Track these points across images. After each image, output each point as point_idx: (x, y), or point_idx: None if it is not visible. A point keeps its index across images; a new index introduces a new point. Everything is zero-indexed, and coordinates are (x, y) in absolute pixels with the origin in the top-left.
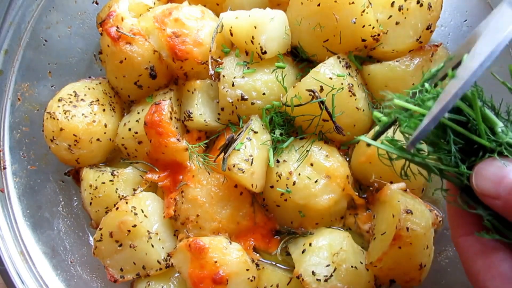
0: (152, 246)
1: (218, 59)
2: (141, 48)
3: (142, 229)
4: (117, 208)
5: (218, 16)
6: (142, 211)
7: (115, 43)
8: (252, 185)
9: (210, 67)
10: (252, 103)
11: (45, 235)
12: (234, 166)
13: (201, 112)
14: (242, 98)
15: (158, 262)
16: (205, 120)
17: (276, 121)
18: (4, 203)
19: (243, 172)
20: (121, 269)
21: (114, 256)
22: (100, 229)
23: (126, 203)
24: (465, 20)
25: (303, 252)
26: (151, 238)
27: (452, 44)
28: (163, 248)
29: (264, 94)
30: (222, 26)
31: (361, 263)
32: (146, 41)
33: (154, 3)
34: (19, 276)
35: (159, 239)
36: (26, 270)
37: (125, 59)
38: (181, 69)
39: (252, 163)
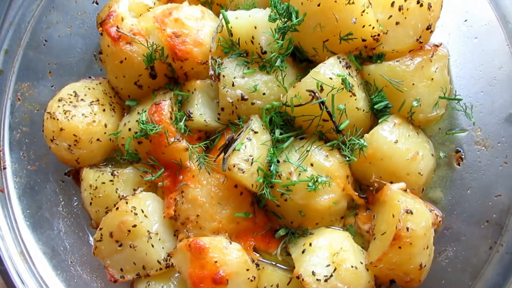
0: (152, 246)
1: (218, 59)
2: (141, 48)
3: (142, 229)
4: (117, 208)
5: (218, 16)
6: (142, 211)
7: (115, 43)
8: (252, 185)
9: (210, 67)
10: (252, 103)
11: (45, 235)
12: (234, 166)
13: (201, 112)
14: (242, 98)
15: (158, 262)
16: (205, 120)
17: (276, 121)
18: (4, 203)
19: (243, 172)
20: (121, 269)
21: (114, 256)
22: (100, 229)
23: (126, 203)
24: (465, 20)
25: (303, 252)
26: (151, 238)
27: (452, 44)
28: (163, 248)
29: (264, 94)
30: (223, 26)
31: (361, 263)
32: (146, 41)
33: (154, 3)
34: (19, 276)
35: (159, 239)
36: (26, 270)
37: (125, 59)
38: (181, 69)
39: (252, 163)
